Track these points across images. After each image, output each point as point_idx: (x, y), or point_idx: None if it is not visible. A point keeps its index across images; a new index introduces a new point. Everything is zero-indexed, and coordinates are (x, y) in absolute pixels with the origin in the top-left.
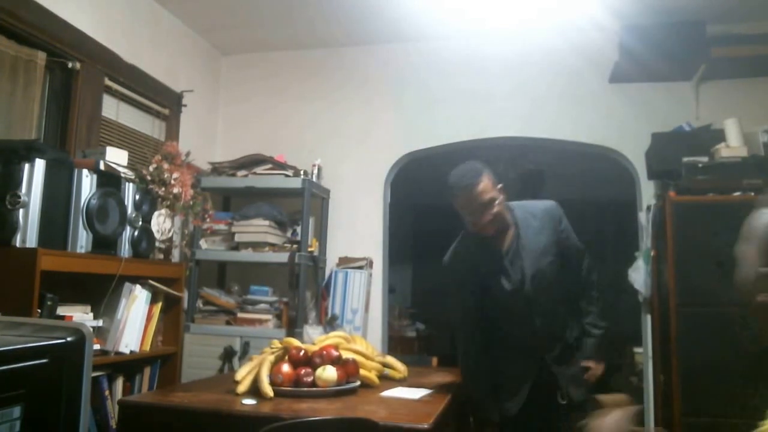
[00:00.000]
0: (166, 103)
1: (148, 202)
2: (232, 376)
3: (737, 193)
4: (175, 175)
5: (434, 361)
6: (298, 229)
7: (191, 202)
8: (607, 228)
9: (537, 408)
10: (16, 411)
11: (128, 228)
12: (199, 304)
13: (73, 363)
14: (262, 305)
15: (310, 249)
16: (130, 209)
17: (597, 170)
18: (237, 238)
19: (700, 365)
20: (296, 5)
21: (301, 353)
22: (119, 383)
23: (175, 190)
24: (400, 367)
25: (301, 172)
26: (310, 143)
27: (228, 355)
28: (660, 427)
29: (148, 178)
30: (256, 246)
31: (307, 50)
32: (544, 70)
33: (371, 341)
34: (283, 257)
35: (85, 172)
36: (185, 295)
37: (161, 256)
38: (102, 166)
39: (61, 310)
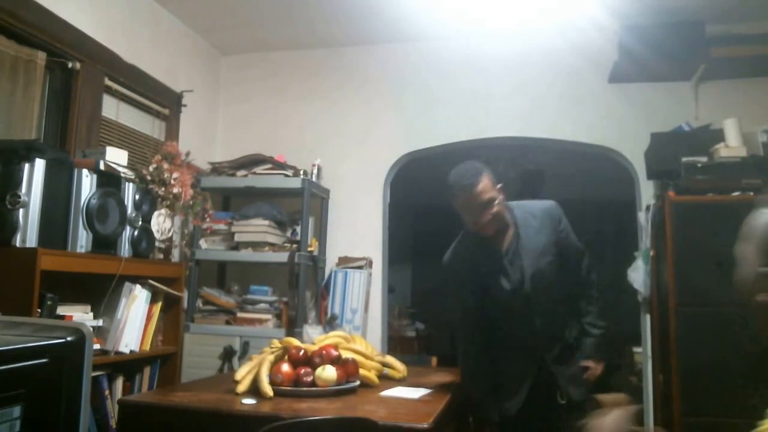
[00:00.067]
0: (166, 103)
1: (148, 202)
2: (231, 375)
3: (736, 193)
4: (175, 175)
5: (434, 360)
6: (298, 229)
7: (191, 202)
8: (606, 228)
9: (537, 408)
10: (16, 411)
11: (128, 228)
12: (199, 303)
13: (73, 363)
14: (262, 305)
15: (309, 249)
16: (130, 209)
17: (596, 170)
18: (237, 237)
19: (700, 365)
20: (296, 5)
21: (301, 353)
22: (119, 383)
23: (175, 190)
24: (399, 367)
25: (301, 172)
26: (310, 143)
27: (228, 354)
28: (659, 427)
29: (148, 178)
30: (255, 246)
31: (307, 50)
32: (544, 70)
33: (371, 341)
34: (282, 257)
35: (85, 172)
36: (185, 295)
37: (161, 255)
38: (102, 166)
39: (61, 310)
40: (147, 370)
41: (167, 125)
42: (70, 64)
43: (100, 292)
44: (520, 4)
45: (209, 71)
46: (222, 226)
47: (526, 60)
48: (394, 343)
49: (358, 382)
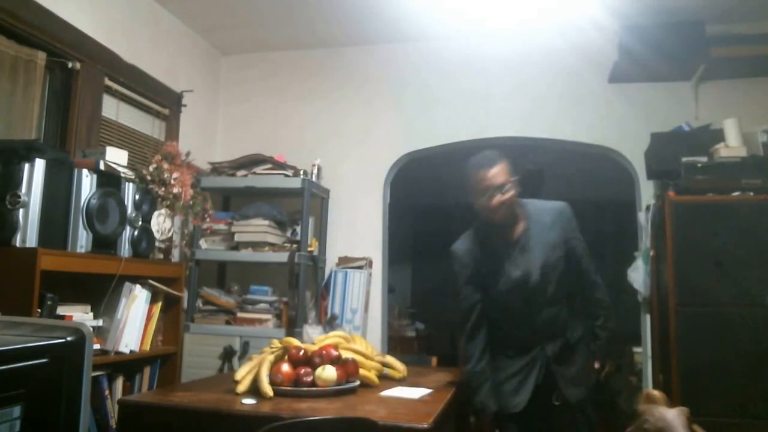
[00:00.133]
0: (166, 103)
1: (148, 202)
2: (231, 375)
3: (736, 193)
4: (175, 175)
5: (434, 360)
6: (298, 229)
7: (191, 202)
8: (606, 228)
9: (536, 407)
10: (16, 411)
11: (128, 228)
12: (199, 303)
13: (73, 363)
14: (262, 305)
15: (309, 249)
16: (130, 209)
17: (596, 170)
18: (237, 237)
19: (700, 365)
20: (296, 5)
21: (301, 353)
22: (119, 383)
23: (175, 190)
24: (399, 367)
25: (301, 172)
26: (310, 143)
27: (228, 354)
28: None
29: (148, 178)
30: (255, 246)
31: (307, 50)
32: (544, 70)
33: (371, 341)
34: (282, 257)
35: (85, 172)
36: (185, 295)
37: (161, 255)
38: (102, 166)
39: (61, 310)
40: (147, 370)
41: (167, 125)
42: (70, 64)
43: (100, 292)
44: (520, 4)
45: (209, 71)
46: (222, 226)
47: (526, 60)
48: (394, 343)
49: (358, 382)
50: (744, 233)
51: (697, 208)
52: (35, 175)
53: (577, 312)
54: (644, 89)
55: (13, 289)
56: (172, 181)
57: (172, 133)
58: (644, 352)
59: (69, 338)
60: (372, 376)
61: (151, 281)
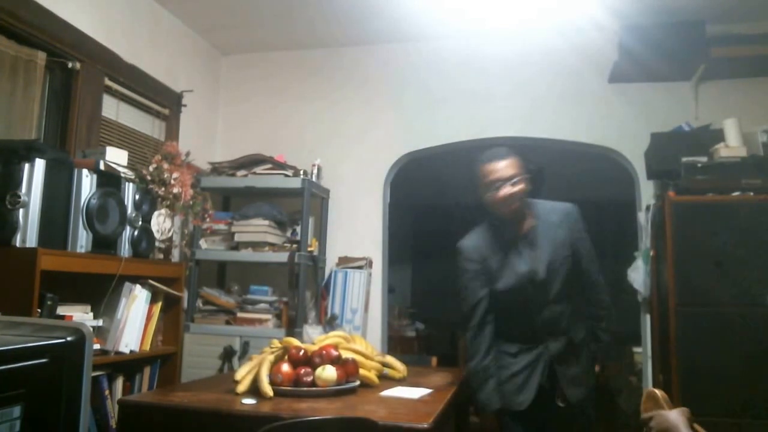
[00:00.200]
0: (166, 103)
1: (148, 202)
2: (231, 375)
3: (736, 193)
4: (175, 175)
5: (434, 360)
6: (298, 229)
7: (191, 202)
8: (606, 228)
9: (537, 407)
10: (16, 411)
11: (128, 228)
12: (199, 303)
13: (73, 363)
14: (262, 305)
15: (309, 249)
16: (130, 209)
17: (596, 170)
18: (237, 237)
19: (700, 365)
20: (296, 5)
21: (301, 353)
22: (119, 383)
23: (175, 190)
24: (399, 367)
25: (301, 172)
26: (310, 143)
27: (228, 354)
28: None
29: (148, 178)
30: (255, 246)
31: (307, 50)
32: (544, 70)
33: (371, 341)
34: (282, 257)
35: (85, 172)
36: (185, 295)
37: (161, 255)
38: (102, 166)
39: (61, 310)
40: (147, 370)
41: (167, 125)
42: (70, 64)
43: (100, 292)
44: (520, 4)
45: (209, 71)
46: (222, 226)
47: (526, 60)
48: (394, 343)
49: (358, 382)
50: (744, 233)
51: (697, 208)
52: (35, 175)
53: (580, 312)
54: (644, 89)
55: (13, 289)
56: (172, 181)
57: (172, 133)
58: (644, 352)
59: (69, 338)
60: (372, 376)
61: (151, 281)
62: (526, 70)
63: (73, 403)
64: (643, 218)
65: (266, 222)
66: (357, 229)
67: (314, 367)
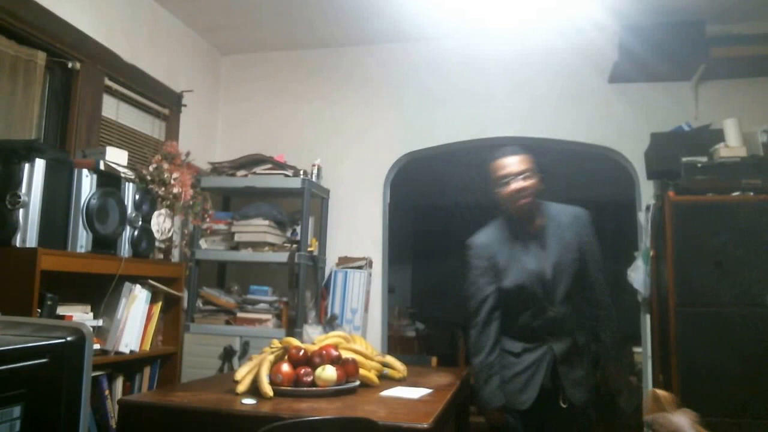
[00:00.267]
0: (166, 103)
1: (148, 202)
2: (231, 375)
3: (736, 193)
4: (175, 175)
5: (434, 360)
6: (298, 229)
7: (191, 202)
8: (606, 228)
9: (539, 407)
10: (16, 411)
11: (128, 228)
12: (199, 303)
13: (73, 363)
14: (262, 305)
15: (309, 249)
16: (130, 209)
17: (596, 170)
18: (237, 237)
19: (700, 365)
20: (296, 5)
21: (301, 353)
22: (119, 383)
23: (175, 190)
24: (399, 367)
25: (301, 172)
26: (310, 143)
27: (228, 354)
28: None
29: (148, 178)
30: (255, 246)
31: (307, 50)
32: (544, 70)
33: (371, 341)
34: (282, 257)
35: (85, 172)
36: (185, 295)
37: (161, 255)
38: (102, 166)
39: (61, 310)
40: (147, 370)
41: (167, 125)
42: (70, 64)
43: (100, 292)
44: (520, 4)
45: (209, 71)
46: (222, 226)
47: (526, 60)
48: (394, 343)
49: (358, 382)
50: (744, 233)
51: (697, 208)
52: (35, 175)
53: (584, 314)
54: (644, 89)
55: (13, 289)
56: (172, 181)
57: (172, 133)
58: (644, 352)
59: (69, 338)
60: (372, 376)
61: (151, 281)
62: (526, 70)
63: (73, 403)
64: (643, 218)
65: (266, 222)
66: (357, 229)
67: (314, 367)
